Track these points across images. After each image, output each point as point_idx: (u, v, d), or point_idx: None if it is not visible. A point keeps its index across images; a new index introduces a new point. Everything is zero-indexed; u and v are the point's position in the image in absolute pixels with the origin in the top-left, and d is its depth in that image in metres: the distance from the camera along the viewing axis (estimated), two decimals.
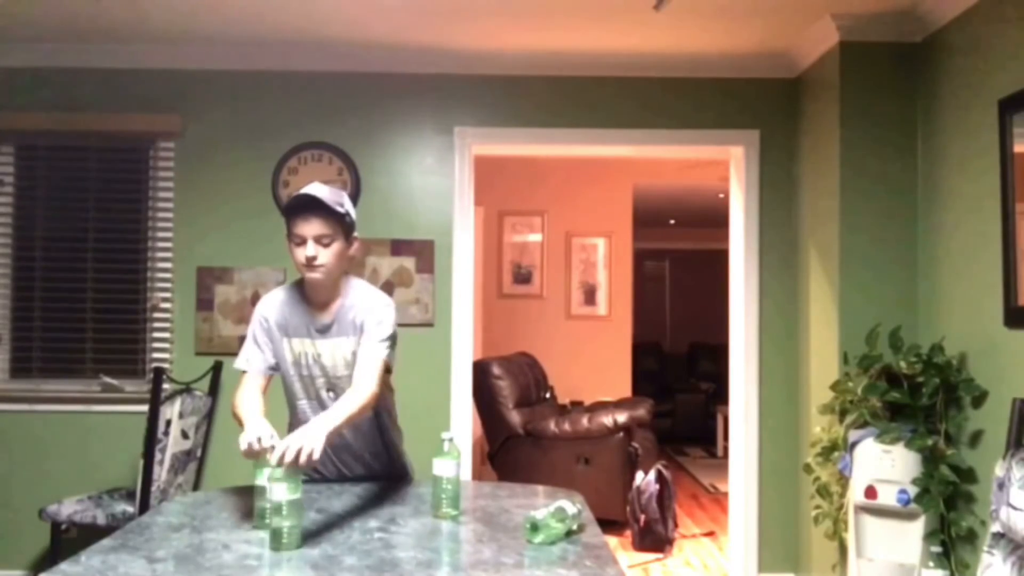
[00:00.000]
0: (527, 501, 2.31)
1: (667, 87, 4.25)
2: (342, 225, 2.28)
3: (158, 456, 3.42)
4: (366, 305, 2.35)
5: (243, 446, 2.01)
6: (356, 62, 4.19)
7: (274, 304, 2.41)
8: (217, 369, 3.99)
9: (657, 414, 6.53)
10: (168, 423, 3.48)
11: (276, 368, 2.41)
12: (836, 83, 3.71)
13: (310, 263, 2.25)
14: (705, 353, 9.97)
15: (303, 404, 2.41)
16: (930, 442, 3.13)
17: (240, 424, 2.18)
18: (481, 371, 5.39)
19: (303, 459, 1.86)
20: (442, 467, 2.13)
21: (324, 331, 2.36)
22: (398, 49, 4.10)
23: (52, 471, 4.08)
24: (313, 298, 2.37)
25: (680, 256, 11.08)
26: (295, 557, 1.79)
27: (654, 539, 4.87)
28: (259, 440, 2.00)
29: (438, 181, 4.23)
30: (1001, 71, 3.04)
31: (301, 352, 2.37)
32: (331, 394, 2.38)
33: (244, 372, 2.39)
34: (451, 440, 2.17)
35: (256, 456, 2.00)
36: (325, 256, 2.25)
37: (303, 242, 2.25)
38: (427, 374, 4.17)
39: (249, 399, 2.31)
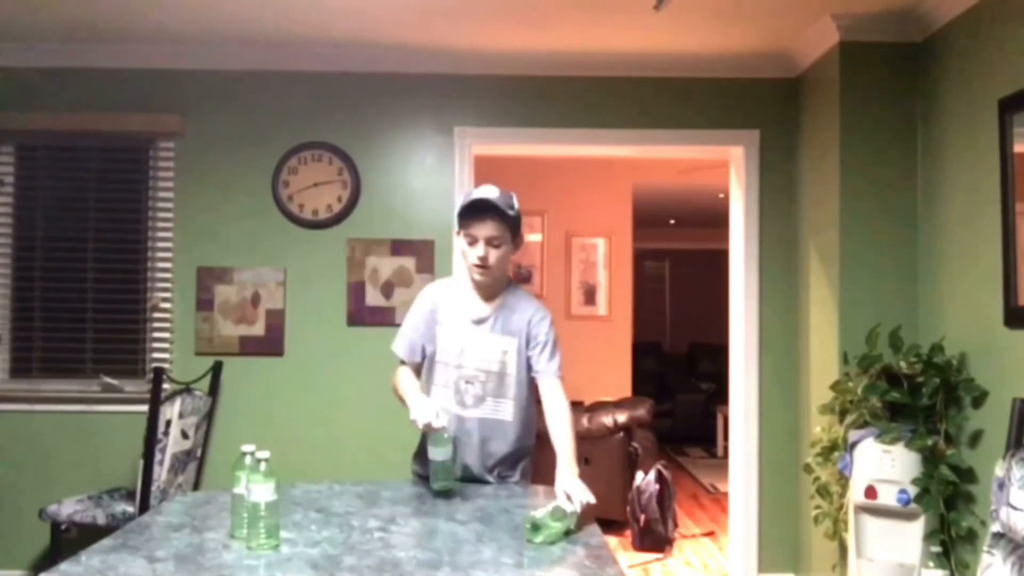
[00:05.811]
0: (527, 501, 2.31)
1: (667, 87, 4.25)
2: (511, 227, 2.41)
3: (158, 456, 3.42)
4: (531, 316, 2.47)
5: (419, 421, 2.24)
6: (356, 62, 4.19)
7: (439, 292, 2.55)
8: (217, 369, 4.00)
9: (657, 414, 6.51)
10: (168, 423, 3.48)
11: (424, 353, 2.52)
12: (836, 83, 3.71)
13: (482, 263, 2.38)
14: (705, 353, 9.96)
15: (439, 390, 2.50)
16: (930, 442, 3.13)
17: (401, 401, 2.42)
18: None
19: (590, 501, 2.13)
20: (435, 453, 2.27)
21: (480, 323, 2.46)
22: (398, 49, 4.10)
23: (52, 471, 4.08)
24: (477, 292, 2.48)
25: (680, 256, 11.07)
26: (295, 556, 1.79)
27: (654, 539, 4.87)
28: (436, 415, 2.23)
29: (438, 181, 4.23)
30: (1001, 71, 3.03)
31: (453, 341, 2.47)
32: (468, 386, 2.45)
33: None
34: (447, 434, 2.29)
35: (432, 431, 2.23)
36: (494, 257, 2.40)
37: (475, 242, 2.38)
38: None
39: (406, 378, 2.49)
